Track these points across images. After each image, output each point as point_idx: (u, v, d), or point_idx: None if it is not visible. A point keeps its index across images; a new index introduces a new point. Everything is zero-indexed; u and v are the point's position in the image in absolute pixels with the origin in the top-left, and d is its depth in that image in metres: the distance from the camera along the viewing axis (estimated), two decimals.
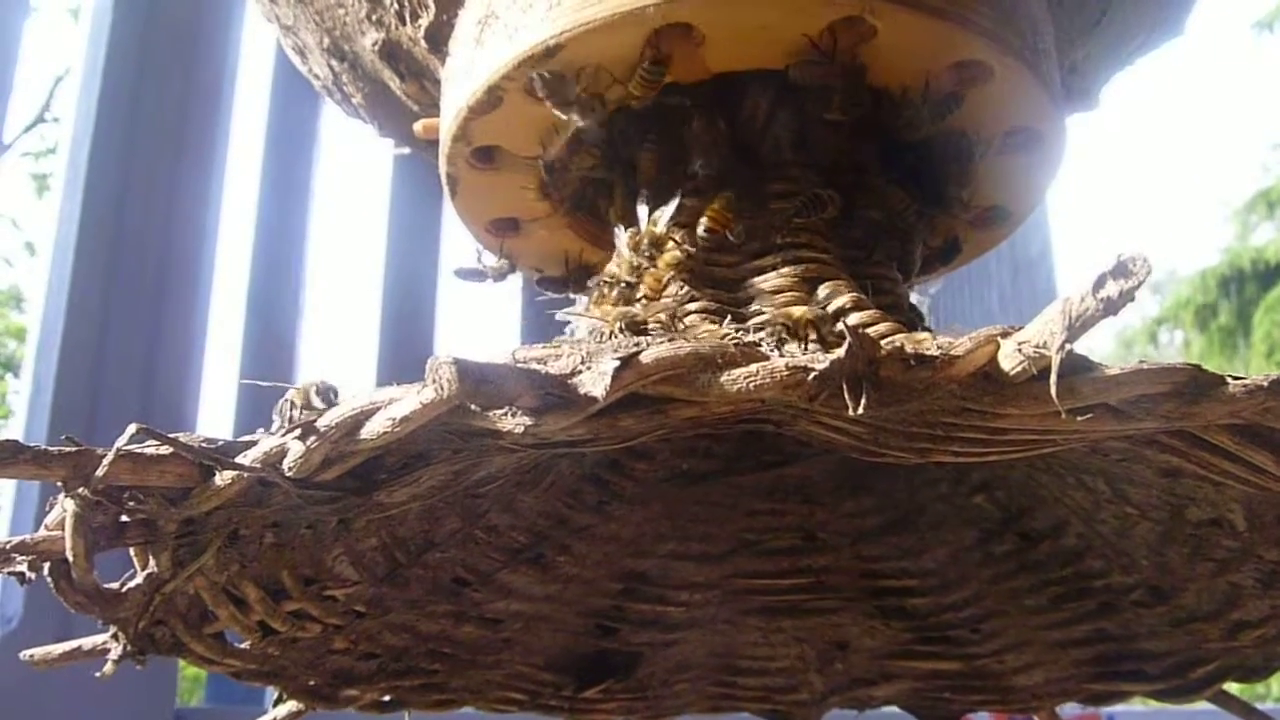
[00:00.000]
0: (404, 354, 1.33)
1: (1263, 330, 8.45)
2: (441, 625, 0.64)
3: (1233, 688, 0.67)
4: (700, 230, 0.55)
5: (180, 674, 1.34)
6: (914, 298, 0.66)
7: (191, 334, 1.25)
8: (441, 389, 0.32)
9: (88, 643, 0.52)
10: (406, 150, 0.80)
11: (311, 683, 0.62)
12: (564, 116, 0.56)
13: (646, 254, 0.54)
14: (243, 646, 0.56)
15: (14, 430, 1.22)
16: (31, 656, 0.54)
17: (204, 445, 0.41)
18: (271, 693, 1.15)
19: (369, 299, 1.43)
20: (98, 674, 0.52)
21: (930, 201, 0.62)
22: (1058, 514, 0.62)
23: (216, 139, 1.34)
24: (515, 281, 0.79)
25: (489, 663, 0.67)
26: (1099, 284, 0.30)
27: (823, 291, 0.53)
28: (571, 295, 0.69)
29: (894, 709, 0.75)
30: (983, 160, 0.61)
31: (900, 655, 0.71)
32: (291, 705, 0.63)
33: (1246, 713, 0.67)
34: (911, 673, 0.71)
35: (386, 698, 0.65)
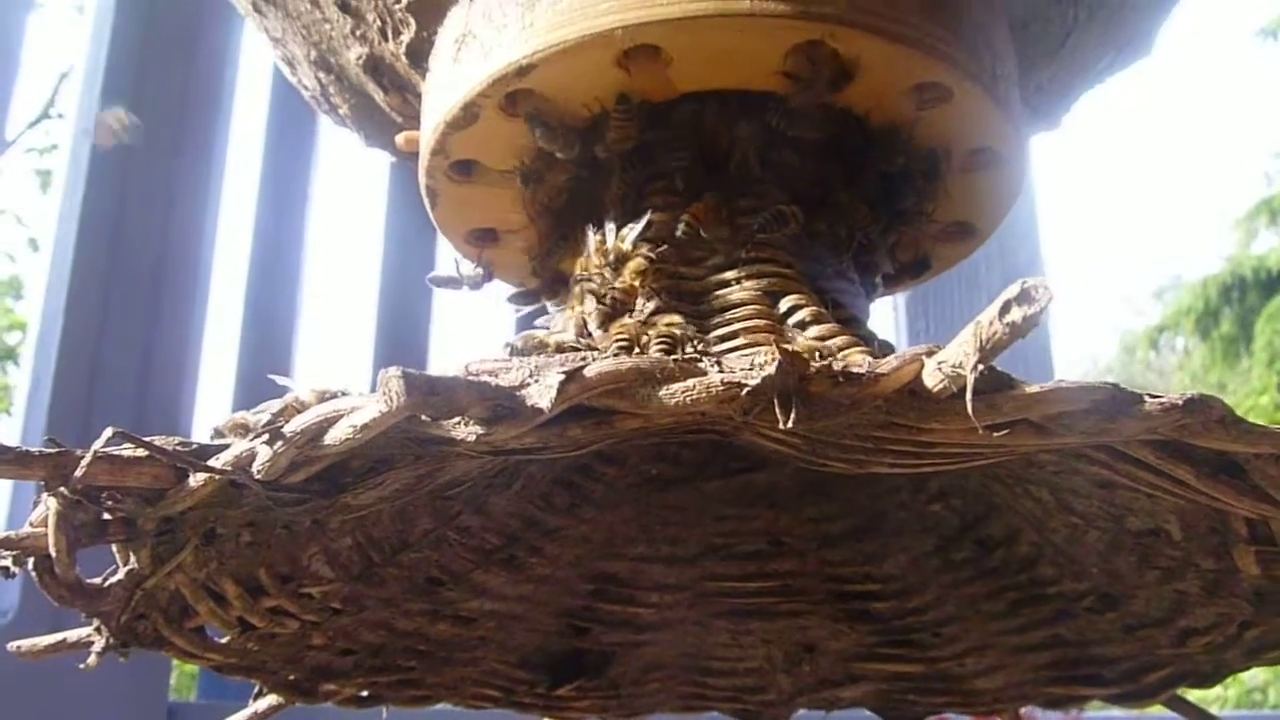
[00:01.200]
0: (399, 357, 1.34)
1: (1264, 339, 8.45)
2: (417, 623, 0.66)
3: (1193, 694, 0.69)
4: (679, 230, 0.57)
5: (176, 671, 1.35)
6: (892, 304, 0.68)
7: (189, 332, 1.27)
8: (390, 400, 0.35)
9: (73, 635, 0.54)
10: (393, 159, 0.82)
11: (291, 677, 0.63)
12: (541, 145, 0.59)
13: (612, 264, 0.56)
14: (223, 641, 0.58)
15: (13, 425, 1.24)
16: (19, 648, 0.56)
17: (178, 448, 0.43)
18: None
19: (364, 302, 1.44)
20: (82, 665, 0.54)
21: (895, 217, 0.64)
22: (1011, 522, 0.64)
23: (216, 138, 1.35)
24: (505, 289, 0.81)
25: (464, 660, 0.69)
26: (1004, 310, 0.32)
27: (784, 304, 0.55)
28: (547, 305, 0.71)
29: (862, 711, 0.77)
30: (946, 178, 0.63)
31: (865, 658, 0.73)
32: (271, 699, 0.65)
33: (1201, 718, 0.69)
34: (876, 675, 0.73)
35: (364, 693, 0.67)
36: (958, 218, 0.67)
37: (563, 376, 0.36)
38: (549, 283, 0.68)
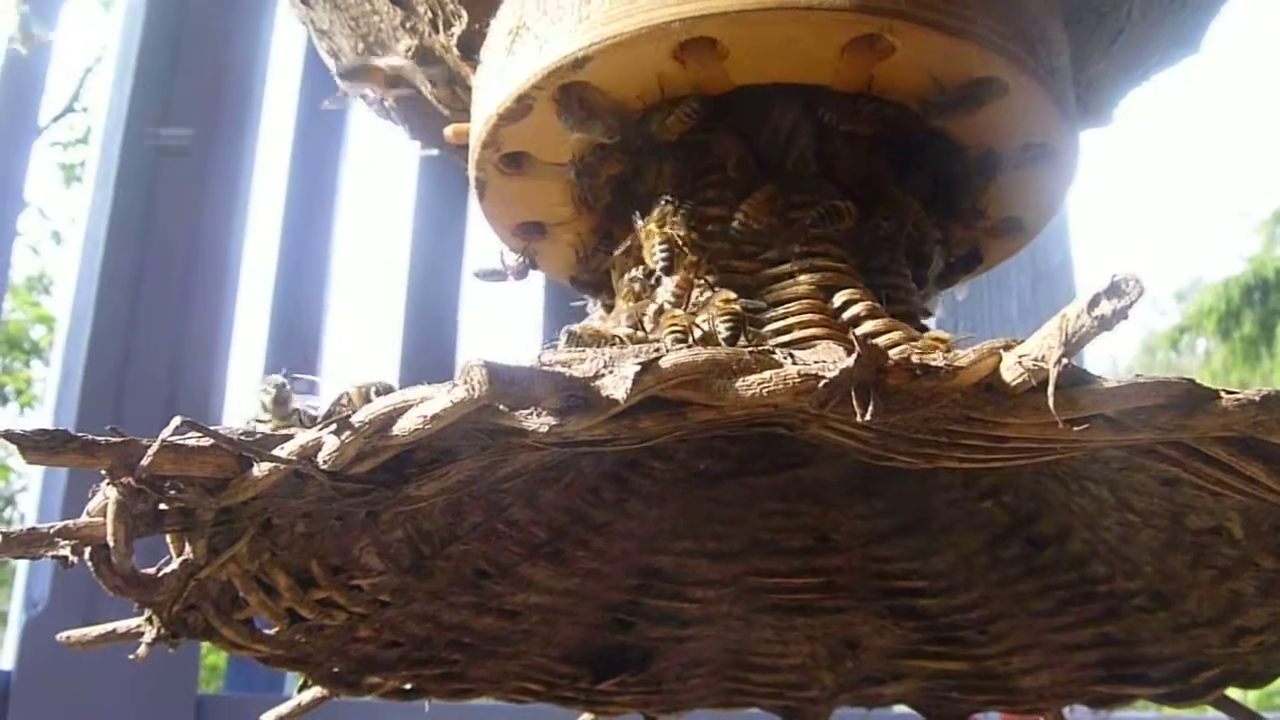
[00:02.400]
0: (427, 352, 1.34)
1: None
2: (462, 616, 0.66)
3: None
4: (735, 224, 0.57)
5: (200, 663, 1.35)
6: (937, 308, 0.68)
7: (218, 325, 1.26)
8: (473, 389, 0.34)
9: (123, 625, 0.54)
10: (435, 151, 0.81)
11: (336, 669, 0.63)
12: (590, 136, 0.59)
13: (665, 258, 0.56)
14: (270, 633, 0.57)
15: (42, 418, 1.24)
16: (68, 638, 0.56)
17: (243, 438, 0.43)
18: (290, 681, 1.17)
19: (393, 296, 1.44)
20: (131, 656, 0.54)
21: (947, 213, 0.64)
22: (1063, 520, 0.64)
23: (246, 132, 1.35)
24: (538, 281, 0.81)
25: (508, 654, 0.69)
26: (1094, 303, 0.31)
27: (838, 300, 0.55)
28: (601, 299, 0.71)
29: (903, 710, 0.76)
30: (999, 174, 0.63)
31: (909, 655, 0.72)
32: (316, 691, 0.65)
33: (1249, 718, 0.68)
34: (920, 672, 0.73)
35: (408, 686, 0.67)
36: (1008, 213, 0.67)
37: (639, 368, 0.35)
38: (598, 276, 0.68)
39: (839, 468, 0.68)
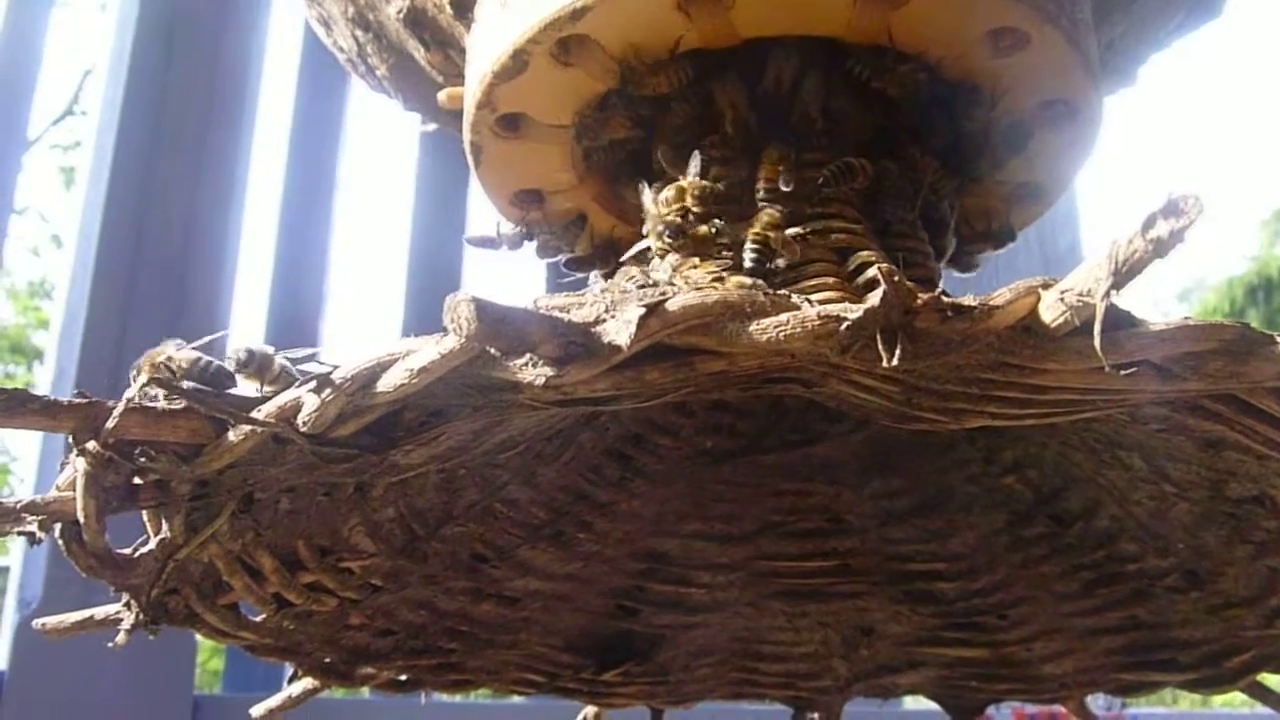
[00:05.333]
0: (428, 329, 1.33)
1: None
2: (459, 602, 0.63)
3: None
4: (760, 193, 0.54)
5: (199, 669, 1.34)
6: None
7: (214, 322, 1.25)
8: (460, 328, 0.31)
9: (100, 612, 0.52)
10: (433, 126, 0.79)
11: (327, 659, 0.61)
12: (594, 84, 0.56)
13: (671, 226, 0.53)
14: (258, 620, 0.55)
15: None
16: (44, 625, 0.53)
17: (217, 399, 0.40)
18: (286, 679, 1.14)
19: (394, 277, 1.43)
20: (110, 644, 0.52)
21: (968, 175, 0.61)
22: (1091, 495, 0.61)
23: (242, 127, 1.34)
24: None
25: (507, 642, 0.66)
26: (1149, 224, 0.28)
27: (853, 262, 0.52)
28: (599, 275, 0.68)
29: (920, 708, 0.74)
30: (1019, 134, 0.60)
31: (927, 642, 0.70)
32: (306, 683, 0.62)
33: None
34: (938, 660, 0.70)
35: (403, 677, 0.65)
36: (1027, 178, 0.64)
37: (644, 310, 0.32)
38: (600, 248, 0.65)
39: (852, 445, 0.65)
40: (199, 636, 0.57)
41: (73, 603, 0.54)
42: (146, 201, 1.25)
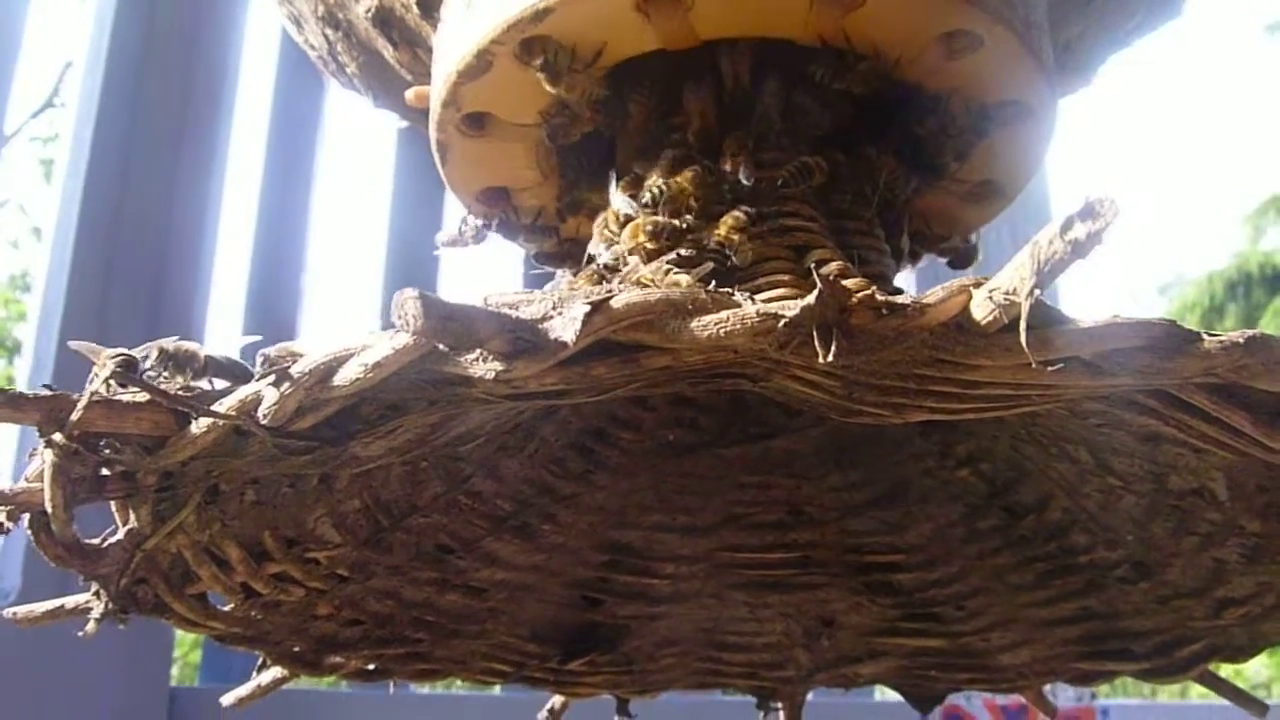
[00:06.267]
0: None
1: None
2: (426, 593, 0.64)
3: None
4: (723, 187, 0.55)
5: (180, 663, 1.34)
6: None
7: (192, 316, 1.25)
8: (408, 323, 0.32)
9: (70, 601, 0.52)
10: (405, 124, 0.80)
11: (295, 649, 0.62)
12: (553, 90, 0.57)
13: (629, 219, 0.54)
14: (226, 609, 0.56)
15: None
16: (15, 615, 0.54)
17: (180, 393, 0.41)
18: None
19: (371, 270, 1.44)
20: (80, 633, 0.52)
21: (924, 175, 0.62)
22: (1043, 487, 0.62)
23: (219, 122, 1.34)
24: (517, 253, 0.79)
25: (474, 632, 0.67)
26: (1066, 226, 0.29)
27: (809, 259, 0.53)
28: (568, 270, 0.69)
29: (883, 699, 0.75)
30: (974, 133, 0.61)
31: (886, 632, 0.71)
32: (275, 672, 0.63)
33: (1234, 695, 0.67)
34: (898, 650, 0.71)
35: (371, 666, 0.65)
36: (984, 176, 0.65)
37: (588, 308, 0.33)
38: (567, 244, 0.66)
39: (813, 439, 0.66)
40: (176, 630, 0.58)
41: (51, 593, 0.55)
42: (124, 194, 1.25)
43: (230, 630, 0.57)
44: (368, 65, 0.73)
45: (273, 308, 1.36)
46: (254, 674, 0.65)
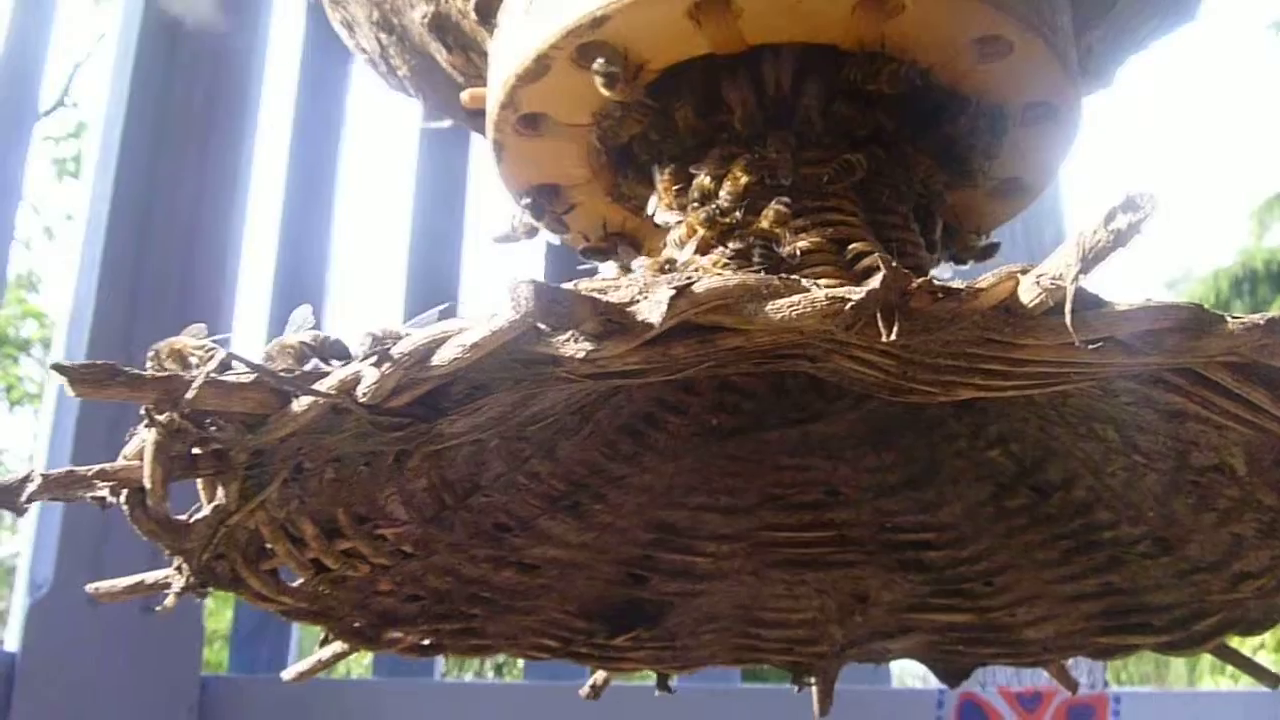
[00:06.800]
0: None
1: None
2: (482, 570, 0.67)
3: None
4: (765, 185, 0.58)
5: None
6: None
7: (219, 312, 1.28)
8: (519, 306, 0.36)
9: (150, 576, 0.55)
10: (448, 123, 0.83)
11: (357, 624, 0.65)
12: (607, 94, 0.60)
13: (688, 211, 0.58)
14: (296, 585, 0.59)
15: (44, 409, 1.25)
16: (97, 589, 0.57)
17: (284, 373, 0.44)
18: (291, 660, 1.17)
19: (395, 267, 1.46)
20: (158, 608, 0.56)
21: (957, 172, 0.66)
22: (1069, 466, 0.65)
23: (246, 117, 1.36)
24: (539, 251, 0.82)
25: (525, 608, 0.70)
26: (1109, 217, 0.33)
27: (850, 253, 0.56)
28: (616, 264, 0.72)
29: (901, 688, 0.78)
30: (1004, 133, 0.64)
31: (917, 608, 0.74)
32: (336, 647, 0.66)
33: (1247, 666, 0.70)
34: (927, 625, 0.74)
35: (426, 641, 0.68)
36: (1011, 174, 0.68)
37: (673, 292, 0.37)
38: (611, 238, 0.69)
39: (848, 423, 0.70)
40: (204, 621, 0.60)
41: (84, 584, 0.57)
42: (152, 192, 1.27)
43: (297, 605, 0.60)
44: (419, 68, 0.77)
45: (298, 301, 1.38)
46: (317, 642, 0.67)
